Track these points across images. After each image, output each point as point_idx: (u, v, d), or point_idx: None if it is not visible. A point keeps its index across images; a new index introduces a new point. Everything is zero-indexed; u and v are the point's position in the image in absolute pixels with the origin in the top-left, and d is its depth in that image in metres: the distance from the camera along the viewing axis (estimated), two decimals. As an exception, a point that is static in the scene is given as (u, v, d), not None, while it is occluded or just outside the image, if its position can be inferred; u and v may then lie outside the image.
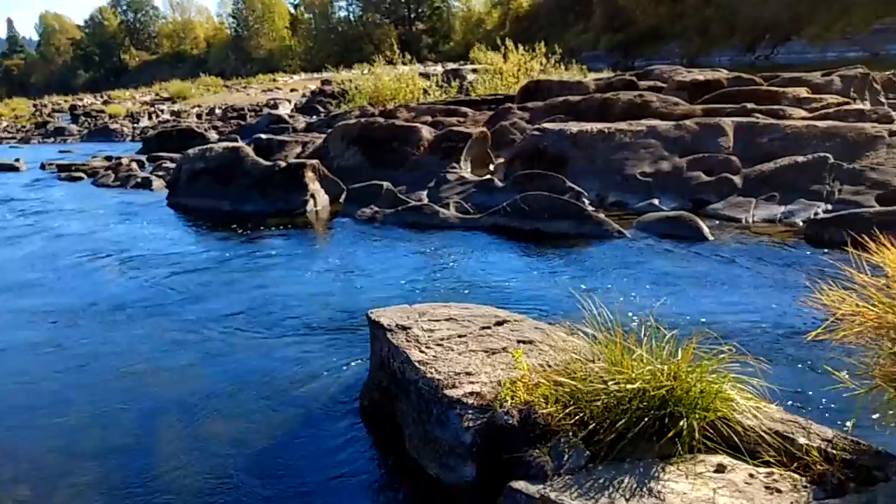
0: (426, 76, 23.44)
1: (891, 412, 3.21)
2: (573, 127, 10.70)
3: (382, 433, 4.03)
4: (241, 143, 12.74)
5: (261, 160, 11.13)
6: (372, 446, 4.01)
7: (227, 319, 5.91)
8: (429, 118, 14.68)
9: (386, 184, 9.84)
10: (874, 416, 3.39)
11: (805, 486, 3.07)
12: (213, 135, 19.92)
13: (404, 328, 4.14)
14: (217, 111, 30.23)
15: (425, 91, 20.77)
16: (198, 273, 7.31)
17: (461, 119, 14.68)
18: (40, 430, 4.27)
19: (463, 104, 16.87)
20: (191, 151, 11.72)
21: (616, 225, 7.85)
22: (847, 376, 3.29)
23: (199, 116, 29.40)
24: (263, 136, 14.92)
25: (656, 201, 8.78)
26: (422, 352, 3.88)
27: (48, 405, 4.57)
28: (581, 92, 14.69)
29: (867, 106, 12.02)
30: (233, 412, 4.40)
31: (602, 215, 8.15)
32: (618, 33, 59.75)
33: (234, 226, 9.44)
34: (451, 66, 36.61)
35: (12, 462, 3.97)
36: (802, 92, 12.08)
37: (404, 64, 24.69)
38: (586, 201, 8.82)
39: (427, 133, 11.69)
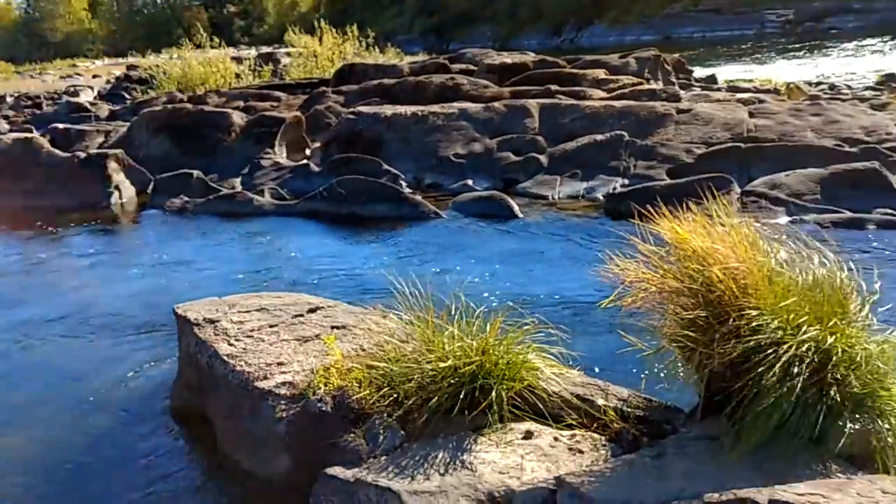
0: (238, 60, 22.70)
1: (678, 370, 3.48)
2: (388, 110, 10.77)
3: (195, 432, 3.89)
4: (34, 134, 11.79)
5: (58, 152, 10.36)
6: (184, 446, 3.87)
7: (26, 323, 5.49)
8: (241, 103, 14.27)
9: (196, 172, 9.47)
10: (663, 374, 3.66)
11: (604, 445, 3.28)
12: (2, 125, 18.31)
13: (212, 321, 4.01)
14: (8, 99, 27.78)
15: (237, 76, 20.12)
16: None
17: (275, 104, 14.37)
18: None
19: (277, 88, 16.52)
20: (-25, 144, 10.71)
21: (432, 206, 7.99)
22: (637, 339, 3.53)
23: (-14, 105, 26.91)
24: (61, 125, 13.88)
25: (470, 182, 9.02)
26: (231, 345, 3.78)
27: None
28: (395, 75, 14.79)
29: (659, 86, 12.92)
30: (35, 422, 4.11)
31: (419, 197, 8.27)
32: (431, 17, 60.58)
33: (31, 223, 8.73)
34: (264, 49, 35.68)
35: None
36: (601, 73, 12.80)
37: (214, 48, 23.76)
38: (403, 184, 8.91)
39: (239, 118, 11.36)
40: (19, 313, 5.76)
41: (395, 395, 3.38)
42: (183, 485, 3.53)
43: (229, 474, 3.52)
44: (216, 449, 3.68)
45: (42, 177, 9.97)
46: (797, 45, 30.02)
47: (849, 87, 15.79)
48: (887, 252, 6.07)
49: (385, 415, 3.34)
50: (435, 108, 10.60)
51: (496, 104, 10.40)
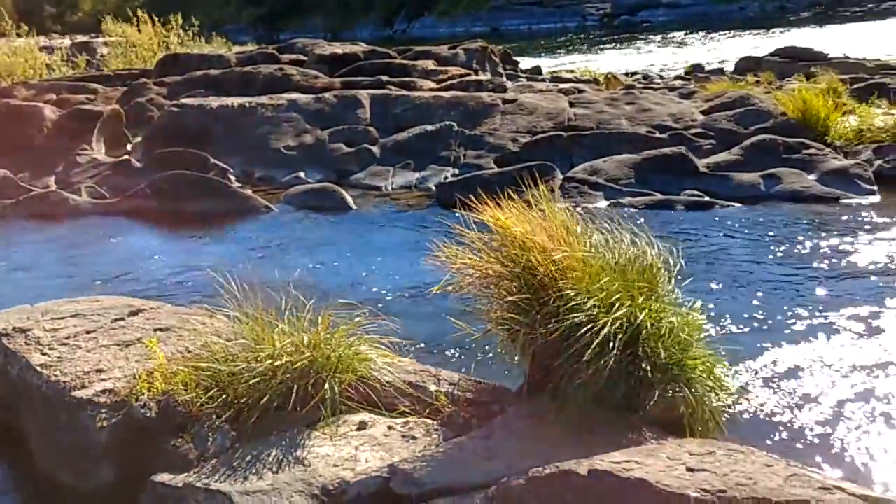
0: (50, 50, 21.20)
1: (505, 351, 3.61)
2: (214, 102, 10.42)
3: (7, 451, 3.62)
4: None
5: None
6: (-5, 467, 3.60)
7: None
8: (53, 96, 13.32)
9: (3, 171, 8.77)
10: (491, 356, 3.79)
11: (436, 430, 3.35)
12: None
13: (23, 330, 3.75)
14: None
15: (49, 67, 18.78)
16: None
17: (91, 96, 13.53)
18: None
19: (94, 80, 15.55)
20: None
21: (263, 200, 7.83)
22: (466, 323, 3.63)
23: None
24: None
25: (302, 174, 8.90)
26: (44, 354, 3.55)
27: None
28: (222, 66, 14.29)
29: (487, 77, 13.26)
30: None
31: (248, 191, 8.08)
32: (260, 6, 59.00)
33: None
34: (80, 38, 33.49)
35: None
36: (430, 64, 12.98)
37: (19, 36, 22.04)
38: (232, 177, 8.67)
39: (51, 112, 10.61)
40: None
41: (224, 396, 3.30)
42: (-3, 508, 3.30)
43: (48, 492, 3.31)
44: (32, 466, 3.45)
45: None
46: (614, 38, 31.71)
47: (661, 77, 16.86)
48: (693, 230, 6.55)
49: (214, 417, 3.25)
50: (264, 99, 10.37)
51: (327, 95, 10.31)
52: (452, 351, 4.14)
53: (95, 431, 3.18)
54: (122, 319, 3.93)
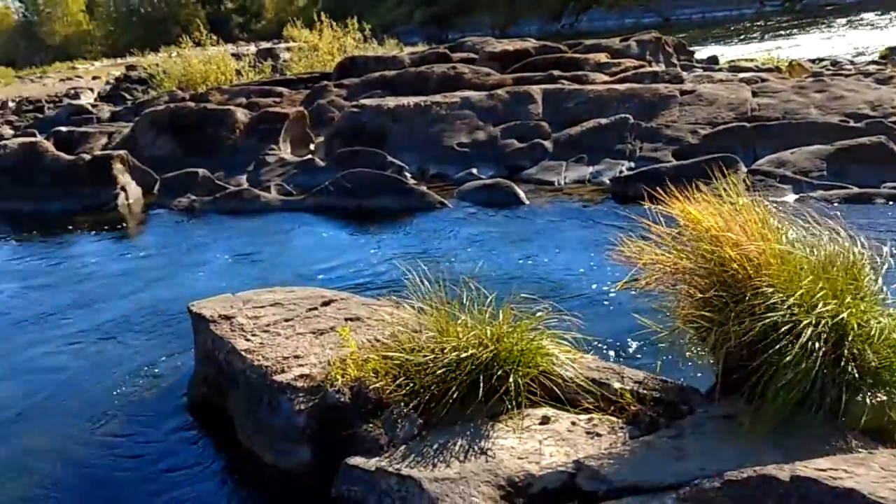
0: (238, 57, 22.67)
1: (693, 351, 3.49)
2: (390, 102, 10.76)
3: (213, 427, 3.92)
4: (38, 138, 11.82)
5: (62, 154, 10.39)
6: (204, 442, 3.90)
7: (43, 327, 5.53)
8: (243, 100, 14.24)
9: (202, 171, 9.48)
10: (678, 355, 3.67)
11: (621, 427, 3.29)
12: (6, 130, 18.34)
13: (228, 318, 4.04)
14: (10, 104, 27.80)
15: (238, 72, 20.10)
16: (3, 282, 6.75)
17: (277, 99, 14.36)
18: None
19: (278, 84, 16.49)
20: (-20, 150, 10.74)
21: (438, 196, 7.99)
22: (652, 321, 3.54)
23: (-12, 111, 26.95)
24: (64, 128, 13.91)
25: (475, 170, 9.01)
26: (247, 340, 3.80)
27: None
28: (396, 66, 14.76)
29: (661, 68, 12.87)
30: (53, 423, 4.13)
31: (424, 188, 8.27)
32: (431, 6, 60.31)
33: (39, 228, 8.78)
34: (264, 45, 35.63)
35: None
36: (602, 57, 12.76)
37: (212, 45, 23.73)
38: (408, 175, 8.91)
39: (242, 115, 11.35)
40: (32, 317, 5.79)
41: (411, 385, 3.40)
42: (204, 478, 3.56)
43: (250, 467, 3.55)
44: (236, 443, 3.70)
45: (48, 180, 10.00)
46: (796, 23, 29.85)
47: (851, 63, 15.72)
48: (897, 226, 6.06)
49: (402, 404, 3.35)
50: (437, 97, 10.59)
51: (499, 91, 10.38)
52: (636, 349, 4.04)
53: (294, 414, 3.36)
54: (315, 309, 4.14)
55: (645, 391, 3.49)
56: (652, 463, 2.95)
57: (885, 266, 3.48)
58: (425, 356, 3.39)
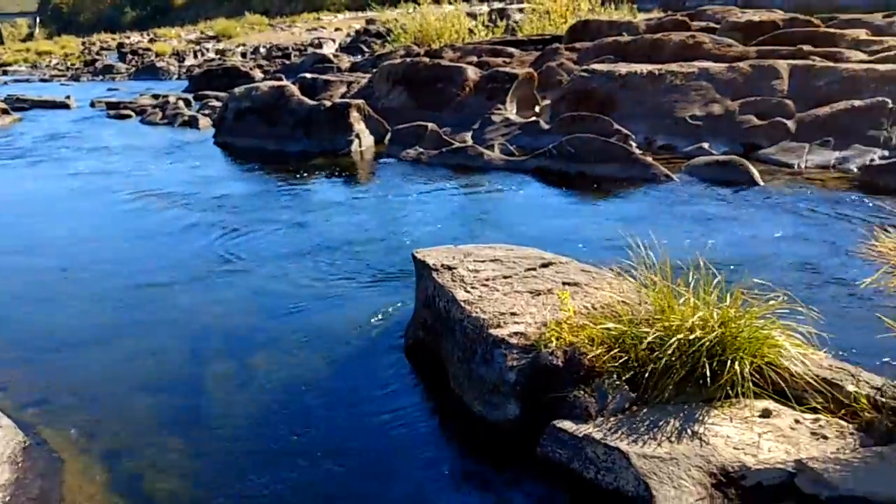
0: (472, 16, 23.01)
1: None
2: (622, 68, 10.48)
3: (426, 371, 4.08)
4: (286, 83, 12.72)
5: (306, 100, 11.12)
6: (416, 383, 4.07)
7: (273, 259, 5.96)
8: (474, 58, 14.48)
9: (430, 125, 9.78)
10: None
11: (852, 433, 3.06)
12: (258, 74, 19.89)
13: (450, 268, 4.16)
14: (262, 50, 30.15)
15: (471, 31, 20.41)
16: (244, 212, 7.38)
17: (507, 60, 14.46)
18: (86, 365, 4.37)
19: (509, 44, 16.58)
20: (237, 90, 11.75)
21: (664, 168, 7.72)
22: (900, 325, 3.23)
23: (243, 55, 29.37)
24: (308, 75, 14.88)
25: (706, 145, 8.61)
26: (467, 291, 3.90)
27: (94, 340, 4.67)
28: (631, 33, 14.34)
29: (931, 49, 11.53)
30: (280, 350, 4.45)
31: (650, 158, 8.02)
32: (669, -29, 57.85)
33: (280, 166, 9.50)
34: (497, 5, 35.86)
35: (55, 389, 4.08)
36: (862, 34, 11.64)
37: (450, 3, 24.24)
38: (634, 144, 8.67)
39: (472, 74, 11.55)
40: (264, 246, 6.27)
41: (626, 357, 3.34)
42: (412, 420, 3.71)
43: (458, 415, 3.66)
44: (447, 389, 3.83)
45: (291, 123, 10.77)
46: None
47: None
48: None
49: (615, 375, 3.31)
50: (673, 66, 10.16)
51: (741, 64, 9.79)
52: (879, 353, 3.71)
53: (507, 369, 3.42)
54: (534, 269, 4.16)
55: (883, 399, 3.21)
56: (884, 475, 2.72)
57: None
58: (645, 331, 3.32)
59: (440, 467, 3.34)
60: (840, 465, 2.80)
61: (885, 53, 10.30)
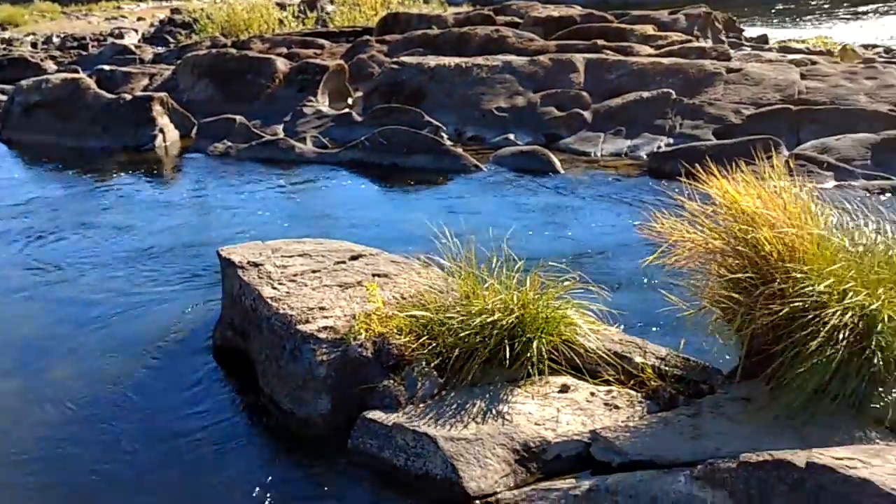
0: (282, 6, 22.56)
1: (718, 331, 3.47)
2: (431, 61, 10.67)
3: (236, 371, 3.99)
4: (81, 75, 11.90)
5: (104, 93, 10.45)
6: (225, 385, 3.97)
7: (77, 266, 5.61)
8: (284, 50, 14.19)
9: (239, 118, 9.51)
10: (702, 335, 3.65)
11: (640, 402, 3.30)
12: (50, 65, 18.44)
13: (256, 265, 4.08)
14: (55, 40, 27.96)
15: (281, 22, 20.02)
16: (38, 214, 6.86)
17: (318, 51, 14.29)
18: None
19: (320, 36, 16.38)
20: (24, 83, 10.85)
21: (473, 159, 7.95)
22: (679, 298, 3.52)
23: (34, 45, 27.12)
24: (107, 67, 13.98)
25: (512, 136, 8.94)
26: (274, 288, 3.84)
27: None
28: (440, 26, 14.60)
29: (709, 44, 12.61)
30: (80, 357, 4.23)
31: (460, 150, 8.23)
32: (477, -33, 59.54)
33: (77, 163, 8.87)
34: (308, -4, 35.35)
35: None
36: (649, 29, 12.53)
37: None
38: (444, 136, 8.87)
39: (282, 65, 11.33)
40: (63, 252, 5.89)
41: (434, 345, 3.43)
42: (223, 420, 3.63)
43: (268, 413, 3.61)
44: (256, 388, 3.77)
45: (88, 118, 10.09)
46: (850, 7, 29.00)
47: (906, 51, 15.26)
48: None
49: (424, 363, 3.39)
50: (479, 60, 10.48)
51: (541, 58, 10.25)
52: (661, 325, 4.02)
53: (316, 364, 3.41)
54: (343, 262, 4.17)
55: (666, 368, 3.50)
56: (668, 439, 2.96)
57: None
58: (451, 317, 3.41)
59: (251, 466, 3.29)
60: (629, 433, 3.02)
61: (669, 48, 11.15)
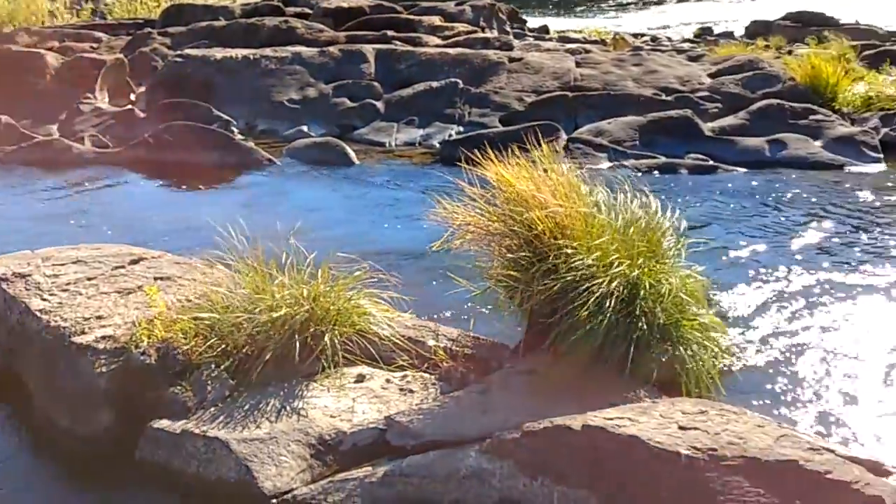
0: (52, -4, 20.92)
1: (504, 308, 3.63)
2: (217, 53, 10.32)
3: (7, 395, 3.65)
4: None
5: None
6: (-5, 410, 3.63)
7: None
8: (56, 44, 13.19)
9: (4, 117, 8.72)
10: (492, 314, 3.80)
11: (434, 384, 3.38)
12: None
13: (23, 276, 3.77)
14: None
15: (51, 13, 18.56)
16: None
17: (95, 45, 13.40)
18: None
19: (97, 28, 15.39)
20: None
21: (265, 153, 7.78)
22: (467, 280, 3.64)
23: None
24: None
25: (305, 128, 8.84)
26: (44, 299, 3.57)
27: None
28: (226, 17, 14.14)
29: (493, 34, 13.11)
30: None
31: (251, 144, 8.03)
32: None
33: None
34: (82, -15, 33.04)
35: None
36: (436, 20, 12.83)
37: (22, -19, 21.72)
38: (235, 130, 8.62)
39: (53, 60, 10.51)
40: None
41: (224, 346, 3.32)
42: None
43: (46, 435, 3.35)
44: (31, 409, 3.48)
45: None
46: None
47: (669, 40, 16.66)
48: (697, 194, 6.53)
49: (213, 365, 3.28)
50: (268, 51, 10.26)
51: (332, 49, 10.21)
52: (452, 307, 4.14)
53: (95, 377, 3.20)
54: (122, 267, 3.94)
55: (458, 348, 3.60)
56: (459, 417, 3.05)
57: (683, 230, 3.77)
58: (238, 316, 3.32)
59: (28, 495, 3.04)
60: (423, 415, 3.08)
61: (456, 38, 11.48)
